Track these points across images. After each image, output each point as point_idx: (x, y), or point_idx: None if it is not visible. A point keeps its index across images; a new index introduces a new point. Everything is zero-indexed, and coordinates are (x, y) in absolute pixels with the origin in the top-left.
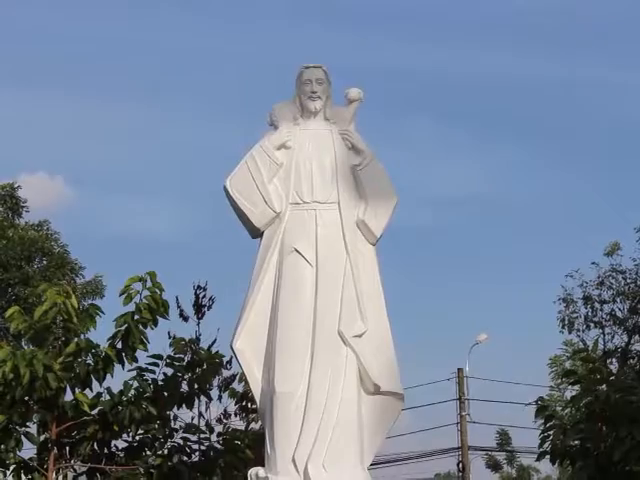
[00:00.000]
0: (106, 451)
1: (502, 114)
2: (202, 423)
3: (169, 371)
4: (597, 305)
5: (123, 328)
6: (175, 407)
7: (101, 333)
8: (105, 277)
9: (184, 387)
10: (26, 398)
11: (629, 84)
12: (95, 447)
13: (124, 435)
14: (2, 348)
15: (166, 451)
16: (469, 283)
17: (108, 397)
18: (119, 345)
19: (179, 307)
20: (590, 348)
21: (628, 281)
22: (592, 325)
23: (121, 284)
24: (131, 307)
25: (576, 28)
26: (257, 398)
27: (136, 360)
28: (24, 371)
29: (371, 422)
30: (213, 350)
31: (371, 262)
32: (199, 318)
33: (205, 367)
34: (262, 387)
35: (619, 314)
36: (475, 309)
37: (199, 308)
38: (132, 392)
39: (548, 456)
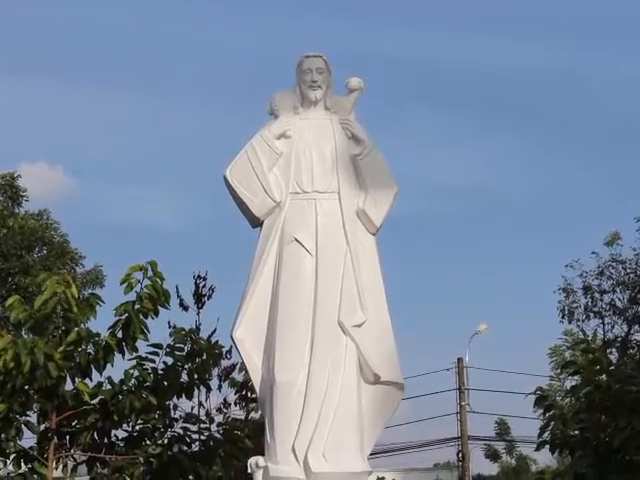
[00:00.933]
0: (106, 440)
1: (503, 103)
2: (202, 413)
3: (169, 361)
4: (597, 295)
5: (123, 317)
6: (175, 397)
7: (101, 322)
8: (105, 267)
9: (184, 377)
10: (26, 387)
11: (631, 73)
12: (95, 436)
13: (124, 424)
14: (3, 337)
15: (166, 441)
16: (469, 273)
17: (109, 386)
18: (119, 334)
19: (179, 297)
20: (590, 338)
21: (628, 271)
22: (592, 315)
23: (121, 274)
24: (131, 296)
25: (577, 16)
26: (257, 387)
27: (136, 350)
28: (25, 360)
29: (371, 412)
30: (213, 340)
31: (371, 252)
32: (199, 308)
33: (205, 357)
34: (262, 376)
35: (619, 304)
36: (475, 299)
37: (199, 298)
38: (132, 381)
39: (547, 446)
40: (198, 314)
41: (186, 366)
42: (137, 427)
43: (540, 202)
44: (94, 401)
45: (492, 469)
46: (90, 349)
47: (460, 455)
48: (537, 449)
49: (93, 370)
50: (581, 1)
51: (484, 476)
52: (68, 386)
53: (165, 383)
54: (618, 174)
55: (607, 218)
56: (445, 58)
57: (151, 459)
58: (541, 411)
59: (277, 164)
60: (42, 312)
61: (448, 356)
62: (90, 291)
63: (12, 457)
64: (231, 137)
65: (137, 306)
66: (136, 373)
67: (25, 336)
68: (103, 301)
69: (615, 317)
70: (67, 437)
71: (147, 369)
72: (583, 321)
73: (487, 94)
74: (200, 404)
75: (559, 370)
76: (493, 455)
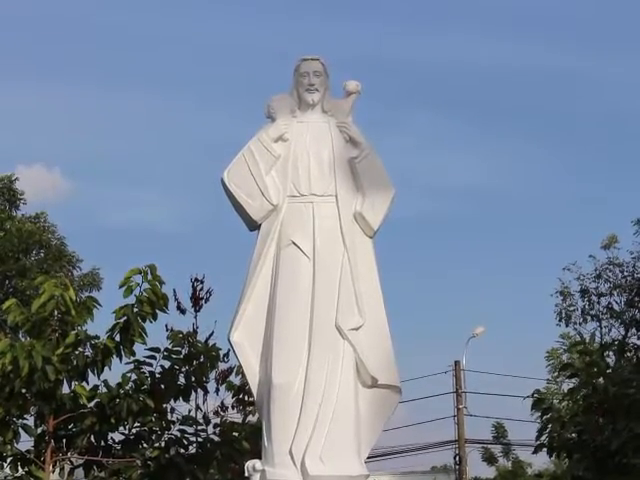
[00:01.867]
0: (103, 443)
1: (502, 105)
2: (199, 416)
3: (166, 364)
4: (594, 298)
5: (122, 320)
6: (172, 400)
7: (97, 326)
8: (102, 269)
9: (181, 380)
10: (24, 390)
11: (629, 75)
12: (92, 439)
13: (121, 427)
14: (0, 340)
15: (163, 443)
16: (466, 275)
17: (106, 390)
18: (118, 337)
19: (176, 300)
20: (587, 341)
21: (625, 274)
22: (589, 318)
23: (118, 276)
24: (130, 299)
25: (578, 18)
26: (254, 390)
27: (134, 353)
28: (23, 363)
29: (368, 415)
30: (210, 343)
31: (369, 255)
32: (196, 311)
33: (202, 360)
34: (259, 379)
35: (616, 307)
36: (472, 302)
37: (196, 301)
38: (130, 385)
39: (545, 449)
40: (195, 317)
41: (183, 369)
42: (134, 430)
43: (538, 204)
44: (91, 404)
45: (489, 472)
46: (88, 352)
47: (457, 458)
48: (535, 452)
49: (91, 373)
50: (581, 3)
51: (482, 479)
52: (65, 389)
53: (162, 386)
54: (617, 177)
55: (604, 221)
56: (444, 60)
57: (148, 462)
58: (538, 414)
59: (274, 167)
60: (39, 315)
61: (445, 359)
62: (87, 294)
63: (9, 460)
64: (229, 139)
65: (136, 309)
66: (133, 376)
67: (22, 339)
68: (100, 304)
69: (612, 320)
70: (64, 440)
71: (144, 372)
72: (580, 324)
73: (486, 96)
74: (197, 407)
75: (556, 373)
76: (490, 458)
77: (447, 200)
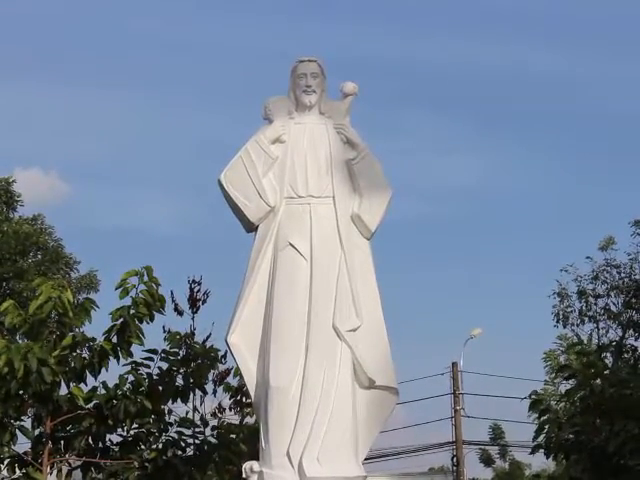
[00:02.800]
0: (101, 445)
1: (500, 106)
2: (197, 417)
3: (164, 365)
4: (591, 299)
5: (119, 322)
6: (170, 401)
7: (95, 328)
8: (99, 271)
9: (179, 381)
10: (21, 392)
11: (630, 77)
12: (90, 441)
13: (119, 429)
14: None
15: (161, 445)
16: (463, 277)
17: (103, 391)
18: (115, 339)
19: (174, 301)
20: (585, 342)
21: (622, 275)
22: (586, 319)
23: (115, 278)
24: (127, 301)
25: (577, 20)
26: (252, 392)
27: (131, 354)
28: (18, 365)
29: (366, 416)
30: (208, 344)
31: (366, 256)
32: (194, 312)
33: (200, 361)
34: (257, 381)
35: (613, 308)
36: (470, 303)
37: (194, 302)
38: (127, 386)
39: (542, 450)
40: (193, 319)
41: (181, 370)
42: (132, 432)
43: (535, 206)
44: (89, 406)
45: (487, 474)
46: (85, 354)
47: (455, 460)
48: (532, 453)
49: (88, 375)
50: (581, 4)
51: None
52: (63, 391)
53: (160, 388)
54: (614, 177)
55: (602, 223)
56: (443, 61)
57: (146, 463)
58: (536, 415)
59: (272, 169)
60: (37, 317)
61: (443, 360)
62: (85, 296)
63: (6, 462)
64: (226, 141)
65: (132, 311)
66: (131, 378)
67: (20, 341)
68: (98, 306)
69: (609, 321)
70: (62, 442)
71: (142, 374)
72: (578, 325)
73: (484, 97)
74: (195, 409)
75: (554, 375)
76: (487, 460)
77: (444, 201)
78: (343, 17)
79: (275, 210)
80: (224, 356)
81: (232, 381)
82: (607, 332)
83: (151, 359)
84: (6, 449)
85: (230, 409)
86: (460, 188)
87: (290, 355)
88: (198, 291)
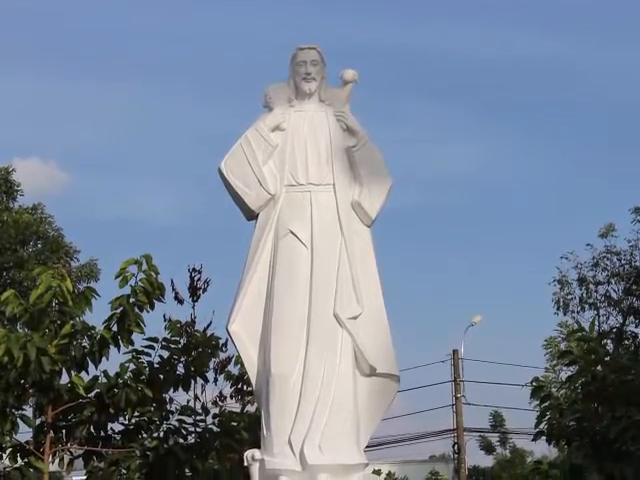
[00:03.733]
0: (102, 434)
1: (500, 94)
2: (198, 405)
3: (165, 354)
4: (592, 286)
5: (119, 311)
6: (171, 389)
7: (96, 316)
8: (100, 260)
9: (180, 370)
10: (21, 381)
11: (629, 65)
12: (91, 430)
13: (120, 418)
14: None
15: (162, 433)
16: (464, 264)
17: (104, 380)
18: (115, 328)
19: (174, 290)
20: (587, 328)
21: (623, 262)
22: (587, 306)
23: (116, 267)
24: (127, 290)
25: (576, 7)
26: (253, 380)
27: (132, 343)
28: (17, 354)
29: (367, 404)
30: (209, 333)
31: (366, 244)
32: (194, 301)
33: (201, 350)
34: (258, 369)
35: (614, 295)
36: (470, 291)
37: (194, 291)
38: (128, 374)
39: (544, 436)
40: (193, 307)
41: (182, 359)
42: (133, 420)
43: (536, 193)
44: (90, 394)
45: (488, 461)
46: (85, 342)
47: (456, 447)
48: (534, 439)
49: (89, 363)
50: None
51: (480, 468)
52: (64, 379)
53: (161, 376)
54: (614, 165)
55: (602, 210)
56: (442, 49)
57: (147, 452)
58: (537, 402)
59: (272, 157)
60: (37, 306)
61: (443, 348)
62: (85, 285)
63: (8, 451)
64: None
65: (132, 299)
66: (132, 366)
67: (20, 330)
68: (99, 294)
69: (610, 308)
70: (63, 431)
71: (143, 362)
72: (578, 312)
73: (484, 85)
74: (196, 397)
75: (554, 362)
76: (487, 447)
77: (445, 189)
78: (342, 6)
79: (275, 198)
80: (225, 344)
81: (233, 369)
82: (607, 319)
83: (152, 347)
84: (7, 438)
85: (231, 397)
86: (460, 176)
87: (291, 342)
88: (199, 279)
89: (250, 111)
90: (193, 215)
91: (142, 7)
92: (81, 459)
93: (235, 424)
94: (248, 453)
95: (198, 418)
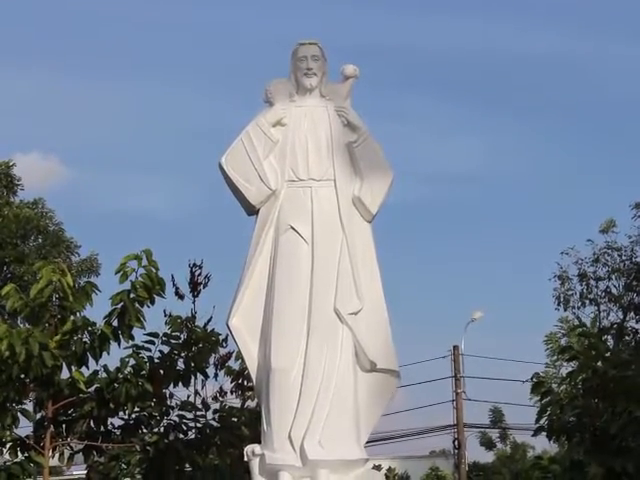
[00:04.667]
0: (102, 429)
1: (502, 89)
2: (198, 401)
3: (165, 349)
4: (592, 282)
5: (119, 306)
6: (171, 385)
7: (96, 311)
8: (100, 255)
9: (180, 365)
10: (22, 376)
11: (631, 58)
12: (91, 425)
13: (120, 413)
14: None
15: (162, 429)
16: (465, 260)
17: (105, 375)
18: (115, 323)
19: (175, 285)
20: (589, 324)
21: (623, 258)
22: (587, 302)
23: (116, 262)
24: (127, 285)
25: (578, 2)
26: (253, 375)
27: (132, 338)
28: (20, 350)
29: (367, 399)
30: (209, 328)
31: (367, 239)
32: (195, 296)
33: (201, 345)
34: (258, 364)
35: (614, 291)
36: (471, 286)
37: (195, 286)
38: (128, 369)
39: (544, 432)
40: (194, 302)
41: (182, 354)
42: (133, 415)
43: (536, 188)
44: (90, 389)
45: (488, 457)
46: (86, 338)
47: (456, 443)
48: (534, 435)
49: (89, 359)
50: None
51: (480, 464)
52: (64, 374)
53: (161, 371)
54: (615, 161)
55: (603, 205)
56: (444, 44)
57: (147, 447)
58: (537, 398)
59: (272, 152)
60: (38, 301)
61: (444, 344)
62: (86, 280)
63: (8, 446)
64: (227, 124)
65: (132, 295)
66: (132, 361)
67: (21, 325)
68: (99, 289)
69: (610, 304)
70: (63, 425)
71: (143, 357)
72: (579, 308)
73: (487, 80)
74: (196, 392)
75: (555, 357)
76: (488, 443)
77: (446, 184)
78: (343, 1)
79: (276, 193)
80: (225, 340)
81: (233, 364)
82: (608, 315)
83: (152, 342)
84: (8, 432)
85: (231, 392)
86: (461, 171)
87: (291, 338)
88: (199, 275)
89: (251, 106)
90: (194, 210)
91: (142, 2)
92: (81, 454)
93: (235, 419)
94: (248, 448)
95: (198, 413)
